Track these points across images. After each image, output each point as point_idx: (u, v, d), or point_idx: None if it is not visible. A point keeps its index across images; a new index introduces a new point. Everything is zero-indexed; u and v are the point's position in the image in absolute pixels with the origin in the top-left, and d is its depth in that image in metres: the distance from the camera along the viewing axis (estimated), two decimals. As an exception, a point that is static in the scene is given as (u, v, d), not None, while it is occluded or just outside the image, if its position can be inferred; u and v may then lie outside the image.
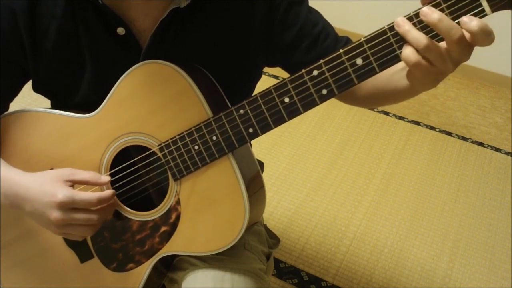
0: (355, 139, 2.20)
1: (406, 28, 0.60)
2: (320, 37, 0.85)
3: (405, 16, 0.62)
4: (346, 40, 0.88)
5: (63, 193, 0.74)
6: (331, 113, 2.32)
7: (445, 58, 0.61)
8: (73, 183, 0.78)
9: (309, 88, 0.68)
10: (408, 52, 0.61)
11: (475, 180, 2.05)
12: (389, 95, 0.80)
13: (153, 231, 0.85)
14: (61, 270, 0.92)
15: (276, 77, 2.50)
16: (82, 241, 0.89)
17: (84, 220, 0.76)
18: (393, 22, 0.62)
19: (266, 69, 2.47)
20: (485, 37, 0.57)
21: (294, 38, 0.84)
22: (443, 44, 0.60)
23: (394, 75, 0.76)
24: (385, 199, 1.92)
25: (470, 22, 0.57)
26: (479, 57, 2.48)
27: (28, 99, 2.11)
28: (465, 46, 0.59)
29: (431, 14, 0.58)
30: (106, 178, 0.80)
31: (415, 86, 0.70)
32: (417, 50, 0.60)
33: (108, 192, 0.78)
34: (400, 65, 0.70)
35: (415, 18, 0.61)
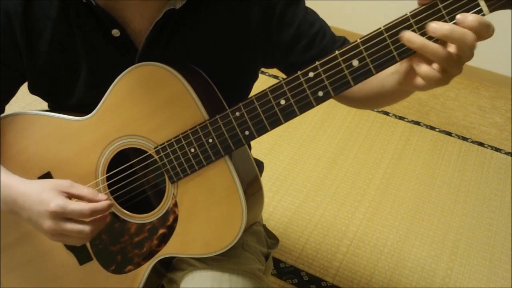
0: (355, 139, 2.19)
1: (420, 42, 0.59)
2: (317, 37, 0.84)
3: (401, 17, 0.61)
4: (343, 41, 0.87)
5: (56, 202, 0.74)
6: (331, 113, 2.32)
7: (457, 63, 0.60)
8: (70, 196, 0.77)
9: (305, 90, 0.68)
10: (427, 70, 0.60)
11: (475, 180, 2.05)
12: (383, 98, 0.80)
13: (151, 233, 0.85)
14: (60, 272, 0.92)
15: (276, 77, 2.50)
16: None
17: (75, 231, 0.75)
18: (390, 23, 0.62)
19: (265, 69, 2.47)
20: (486, 29, 0.57)
21: (291, 38, 0.84)
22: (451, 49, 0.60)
23: (387, 79, 0.76)
24: (385, 199, 1.92)
25: (466, 18, 0.57)
26: (479, 57, 2.47)
27: (27, 99, 2.12)
28: (473, 47, 0.59)
29: (441, 27, 0.58)
30: (103, 196, 0.78)
31: (411, 91, 0.69)
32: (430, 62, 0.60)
33: (103, 203, 0.76)
34: (392, 69, 0.70)
35: (411, 19, 0.60)
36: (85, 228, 0.75)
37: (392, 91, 0.76)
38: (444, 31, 0.57)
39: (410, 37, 0.60)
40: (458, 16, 0.57)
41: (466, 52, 0.59)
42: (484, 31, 0.57)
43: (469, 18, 0.57)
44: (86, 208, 0.74)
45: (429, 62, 0.61)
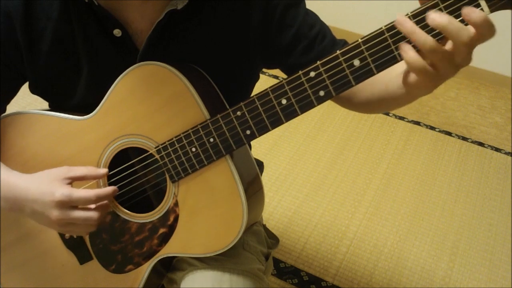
0: (355, 139, 2.19)
1: (409, 28, 0.58)
2: (317, 40, 0.84)
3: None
4: (344, 43, 0.87)
5: (61, 191, 0.74)
6: (331, 113, 2.32)
7: (449, 61, 0.59)
8: (72, 180, 0.78)
9: (306, 89, 0.68)
10: (412, 55, 0.59)
11: (475, 180, 2.05)
12: (385, 102, 0.79)
13: (151, 233, 0.85)
14: (61, 271, 0.92)
15: (276, 77, 2.50)
16: (81, 243, 0.89)
17: (82, 218, 0.76)
18: (391, 23, 0.62)
19: (266, 70, 2.47)
20: (489, 29, 0.56)
21: (291, 40, 0.84)
22: (447, 46, 0.59)
23: (390, 82, 0.75)
24: (385, 199, 1.92)
25: (473, 13, 0.56)
26: (479, 57, 2.47)
27: (27, 99, 2.12)
28: (471, 47, 0.58)
29: (440, 17, 0.57)
30: (103, 170, 0.79)
31: (412, 92, 0.68)
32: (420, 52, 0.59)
33: (108, 188, 0.78)
34: (396, 72, 0.70)
35: (413, 19, 0.60)
36: (92, 214, 0.76)
37: (395, 95, 0.75)
38: (441, 21, 0.56)
39: (400, 20, 0.59)
40: (466, 9, 0.56)
41: (460, 50, 0.58)
42: (486, 30, 0.56)
43: (475, 13, 0.56)
44: (91, 194, 0.75)
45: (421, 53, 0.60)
